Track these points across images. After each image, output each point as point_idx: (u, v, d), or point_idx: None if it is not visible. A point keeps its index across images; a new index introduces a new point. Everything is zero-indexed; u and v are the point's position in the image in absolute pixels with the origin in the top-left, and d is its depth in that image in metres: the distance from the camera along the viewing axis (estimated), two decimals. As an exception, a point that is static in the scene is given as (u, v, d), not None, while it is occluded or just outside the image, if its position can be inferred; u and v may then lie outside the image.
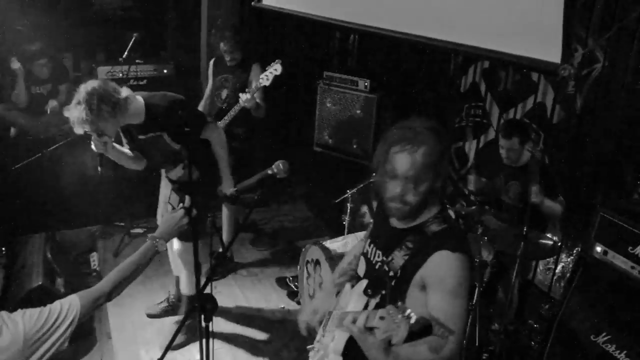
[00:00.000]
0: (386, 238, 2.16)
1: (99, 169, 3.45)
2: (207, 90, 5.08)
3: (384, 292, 2.08)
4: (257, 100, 4.63)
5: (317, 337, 2.48)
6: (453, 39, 3.55)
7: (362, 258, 2.31)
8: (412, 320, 1.61)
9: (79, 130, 3.16)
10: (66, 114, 3.20)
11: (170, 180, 3.83)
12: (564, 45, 2.87)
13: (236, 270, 5.02)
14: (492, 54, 3.40)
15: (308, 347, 2.52)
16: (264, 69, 4.60)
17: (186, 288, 4.02)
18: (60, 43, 5.65)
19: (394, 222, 2.14)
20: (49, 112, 5.27)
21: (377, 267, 2.16)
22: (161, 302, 4.37)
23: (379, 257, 2.17)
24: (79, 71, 6.09)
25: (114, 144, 3.46)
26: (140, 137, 3.52)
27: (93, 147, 3.38)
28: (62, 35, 5.69)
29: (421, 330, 1.62)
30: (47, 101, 5.27)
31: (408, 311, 1.64)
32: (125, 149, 3.66)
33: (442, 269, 1.92)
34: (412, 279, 1.98)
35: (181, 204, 2.46)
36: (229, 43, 4.68)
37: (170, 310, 4.28)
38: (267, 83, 4.54)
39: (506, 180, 3.97)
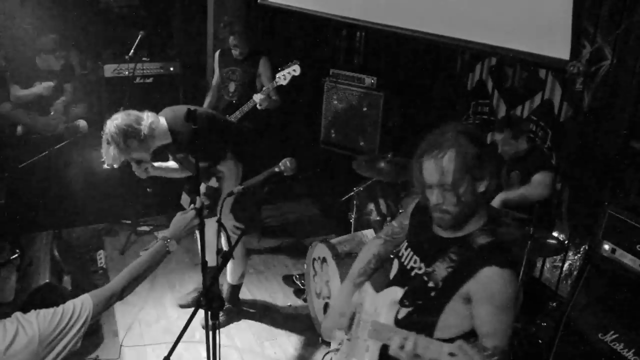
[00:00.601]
0: (427, 246, 2.10)
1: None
2: (214, 82, 5.11)
3: (420, 302, 2.05)
4: (273, 98, 4.68)
5: (338, 340, 2.45)
6: (461, 35, 3.53)
7: (395, 261, 2.26)
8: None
9: (115, 164, 3.30)
10: (102, 152, 3.29)
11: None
12: (573, 42, 2.85)
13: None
14: (501, 51, 3.37)
15: (329, 350, 2.49)
16: (272, 64, 4.63)
17: (230, 277, 4.13)
18: (67, 41, 5.66)
19: (438, 231, 2.09)
20: (52, 112, 5.28)
21: (412, 274, 2.12)
22: (190, 292, 4.41)
23: (415, 263, 2.12)
24: (85, 69, 6.10)
25: (154, 164, 3.58)
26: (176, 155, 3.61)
27: (136, 173, 3.52)
28: (68, 33, 5.70)
29: None
30: (52, 98, 5.28)
31: (489, 352, 1.67)
32: (170, 163, 3.74)
33: (491, 286, 1.88)
34: (457, 292, 1.94)
35: (192, 205, 2.46)
36: (238, 38, 4.70)
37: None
38: (284, 83, 4.58)
39: (508, 171, 3.95)
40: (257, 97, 4.59)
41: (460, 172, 1.88)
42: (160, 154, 3.59)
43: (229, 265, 4.09)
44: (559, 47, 2.90)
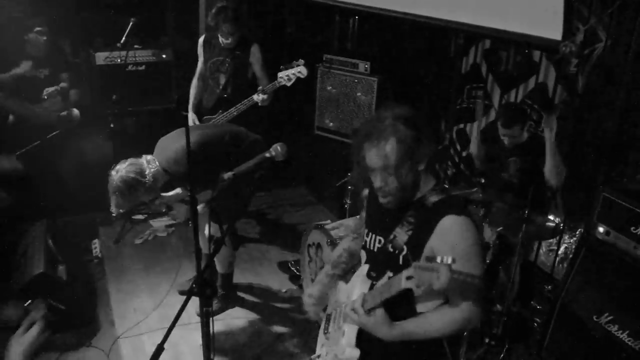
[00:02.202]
0: (384, 221, 2.13)
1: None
2: (198, 71, 4.86)
3: (390, 272, 2.05)
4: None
5: (320, 343, 2.46)
6: (454, 17, 3.52)
7: (362, 252, 2.28)
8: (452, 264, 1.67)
9: (122, 210, 3.39)
10: (110, 201, 3.37)
11: None
12: (565, 22, 2.84)
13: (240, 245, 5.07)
14: (494, 33, 3.37)
15: (312, 357, 2.50)
16: (262, 50, 4.50)
17: (219, 267, 4.10)
18: (58, 29, 5.60)
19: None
20: (46, 97, 5.23)
21: (376, 251, 2.15)
22: (190, 279, 4.39)
23: (379, 242, 2.14)
24: (77, 57, 6.04)
25: (162, 194, 3.62)
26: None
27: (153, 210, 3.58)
28: (60, 21, 5.64)
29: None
30: (45, 86, 5.22)
31: (448, 258, 1.70)
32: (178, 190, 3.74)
33: (451, 235, 1.91)
34: (422, 253, 1.95)
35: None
36: (231, 24, 4.41)
37: None
38: (288, 84, 4.40)
39: (506, 157, 3.95)
40: (257, 98, 4.41)
41: (401, 158, 1.94)
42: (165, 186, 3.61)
43: (216, 255, 4.06)
44: (551, 28, 2.90)
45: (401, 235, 2.03)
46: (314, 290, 2.48)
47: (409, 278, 1.76)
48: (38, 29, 5.10)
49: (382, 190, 2.01)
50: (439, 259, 1.69)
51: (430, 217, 1.96)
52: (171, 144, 3.49)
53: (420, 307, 2.01)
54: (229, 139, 3.68)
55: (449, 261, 1.68)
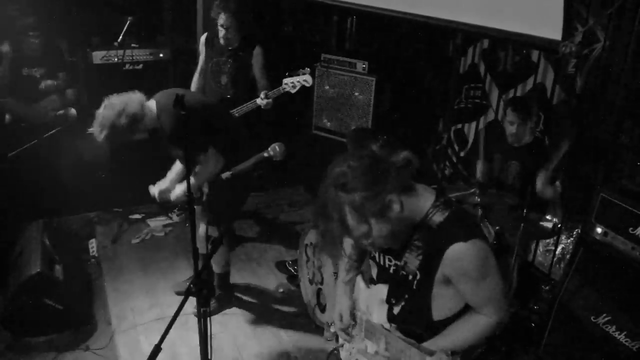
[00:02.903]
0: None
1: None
2: (199, 68, 4.85)
3: (407, 295, 2.03)
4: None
5: (343, 338, 2.42)
6: (452, 17, 3.51)
7: (371, 261, 2.23)
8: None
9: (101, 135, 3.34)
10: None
11: None
12: (564, 22, 2.84)
13: (238, 245, 5.08)
14: (493, 32, 3.36)
15: (334, 347, 2.47)
16: (264, 51, 4.51)
17: (214, 267, 4.09)
18: (55, 27, 5.59)
19: None
20: (43, 88, 5.21)
21: (391, 271, 2.09)
22: (187, 279, 4.38)
23: (390, 261, 2.09)
24: (74, 56, 6.03)
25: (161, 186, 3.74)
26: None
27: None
28: (57, 19, 5.63)
29: None
30: (40, 86, 5.22)
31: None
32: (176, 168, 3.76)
33: (461, 263, 1.86)
34: (435, 278, 1.92)
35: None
36: (230, 18, 4.37)
37: None
38: (293, 91, 4.43)
39: (505, 159, 3.95)
40: (262, 102, 4.44)
41: (362, 225, 1.82)
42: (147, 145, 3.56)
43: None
44: (551, 28, 2.89)
45: (412, 260, 1.96)
46: (344, 309, 2.34)
47: None
48: (31, 33, 5.10)
49: (375, 247, 1.97)
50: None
51: (437, 241, 1.88)
52: (175, 90, 3.43)
53: (435, 315, 2.00)
54: (224, 109, 3.86)
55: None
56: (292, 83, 4.39)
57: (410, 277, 1.98)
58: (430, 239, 1.90)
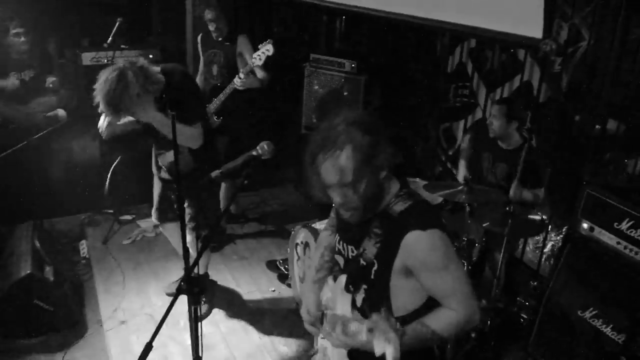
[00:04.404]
0: (351, 230, 2.04)
1: None
2: (200, 67, 5.13)
3: (364, 285, 2.00)
4: (260, 77, 4.71)
5: (312, 332, 2.42)
6: (439, 17, 3.55)
7: (337, 257, 2.21)
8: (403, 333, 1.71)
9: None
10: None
11: (159, 169, 3.82)
12: (545, 21, 2.88)
13: (230, 242, 5.14)
14: (478, 32, 3.40)
15: (312, 352, 2.48)
16: (251, 41, 4.69)
17: (200, 268, 4.06)
18: (44, 29, 5.57)
19: None
20: (51, 86, 5.21)
21: (351, 258, 2.08)
22: (177, 280, 4.39)
23: (352, 251, 2.06)
24: (63, 58, 6.01)
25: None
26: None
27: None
28: (45, 21, 5.61)
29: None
30: (30, 88, 5.19)
31: (398, 325, 1.72)
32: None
33: (419, 251, 1.82)
34: (392, 267, 1.88)
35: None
36: (214, 11, 4.71)
37: None
38: (260, 63, 4.58)
39: (494, 161, 3.99)
40: (237, 81, 4.60)
41: (359, 168, 1.80)
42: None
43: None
44: (532, 26, 2.93)
45: (370, 248, 1.94)
46: (310, 304, 2.33)
47: (370, 331, 1.75)
48: (14, 31, 5.07)
49: (344, 205, 1.90)
50: (390, 333, 1.71)
51: (395, 230, 1.86)
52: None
53: (395, 310, 1.95)
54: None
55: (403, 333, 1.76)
56: (258, 56, 4.55)
57: (367, 264, 1.95)
58: (390, 227, 1.89)
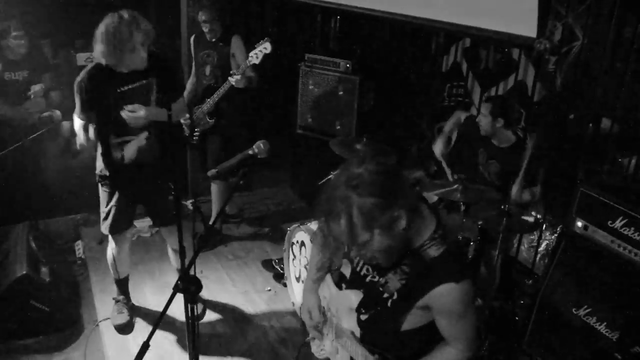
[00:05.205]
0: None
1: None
2: (192, 68, 5.14)
3: (378, 309, 2.01)
4: (248, 75, 4.68)
5: (314, 335, 2.45)
6: (433, 16, 3.56)
7: (345, 260, 2.22)
8: None
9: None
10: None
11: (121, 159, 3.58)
12: (539, 20, 2.90)
13: (225, 243, 5.13)
14: (472, 31, 3.41)
15: (307, 339, 2.50)
16: (245, 42, 4.71)
17: (176, 264, 4.12)
18: (38, 29, 5.56)
19: None
20: (32, 97, 5.19)
21: (367, 281, 2.06)
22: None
23: (368, 271, 2.06)
24: (57, 58, 6.00)
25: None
26: (126, 87, 3.43)
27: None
28: (39, 21, 5.60)
29: None
30: (24, 89, 5.18)
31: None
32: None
33: (448, 302, 1.85)
34: (414, 305, 1.90)
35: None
36: (208, 12, 4.73)
37: None
38: (257, 61, 4.57)
39: (487, 158, 4.00)
40: (232, 79, 4.59)
41: (366, 232, 1.74)
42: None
43: (173, 255, 4.12)
44: (526, 26, 2.95)
45: (394, 282, 1.93)
46: (312, 307, 2.36)
47: None
48: (15, 33, 5.06)
49: (367, 260, 1.91)
50: None
51: (427, 276, 1.85)
52: None
53: (404, 326, 1.98)
54: None
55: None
56: (255, 55, 4.55)
57: (387, 295, 1.96)
58: (420, 269, 1.87)
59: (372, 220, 1.72)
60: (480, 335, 2.00)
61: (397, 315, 1.96)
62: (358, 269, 2.11)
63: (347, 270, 2.21)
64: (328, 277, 2.34)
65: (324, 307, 2.36)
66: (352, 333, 2.14)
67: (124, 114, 3.34)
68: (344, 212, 1.72)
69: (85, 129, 3.46)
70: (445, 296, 1.83)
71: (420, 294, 1.87)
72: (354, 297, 2.10)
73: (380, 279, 1.98)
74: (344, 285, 2.22)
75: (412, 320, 1.96)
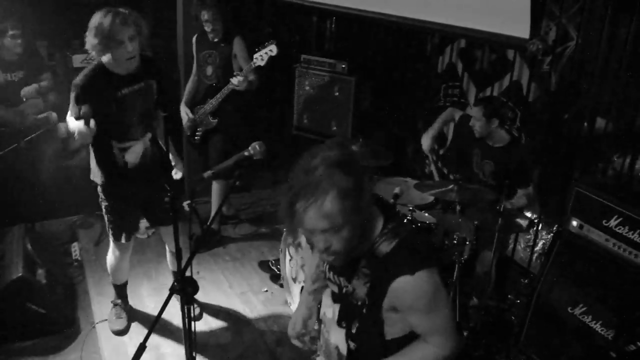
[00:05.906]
0: (343, 265, 1.94)
1: None
2: (194, 68, 5.11)
3: (356, 320, 1.97)
4: (250, 79, 4.67)
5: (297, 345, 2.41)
6: (428, 17, 3.58)
7: (332, 284, 2.14)
8: None
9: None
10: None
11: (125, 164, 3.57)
12: (532, 21, 2.92)
13: (223, 245, 5.12)
14: (466, 32, 3.43)
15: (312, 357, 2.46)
16: (247, 44, 4.69)
17: (172, 266, 4.14)
18: (34, 30, 5.56)
19: None
20: (24, 100, 5.18)
21: (344, 291, 2.01)
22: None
23: (344, 282, 2.00)
24: (53, 60, 5.99)
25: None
26: (126, 90, 3.41)
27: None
28: (35, 22, 5.59)
29: None
30: (20, 90, 5.17)
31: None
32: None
33: (407, 297, 1.79)
34: (382, 307, 1.85)
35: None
36: (211, 11, 4.68)
37: None
38: (262, 63, 4.57)
39: (482, 158, 4.02)
40: (235, 80, 4.57)
41: (344, 213, 1.68)
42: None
43: (171, 258, 4.12)
44: (519, 27, 2.97)
45: (360, 288, 1.88)
46: (298, 319, 2.31)
47: None
48: (12, 32, 5.06)
49: (326, 251, 1.78)
50: None
51: (382, 272, 1.80)
52: None
53: (388, 334, 1.94)
54: None
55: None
56: (260, 57, 4.54)
57: (359, 303, 1.91)
58: (377, 269, 1.82)
59: (355, 201, 1.68)
60: (459, 327, 1.91)
61: (374, 320, 1.91)
62: (335, 281, 2.05)
63: (335, 288, 2.12)
64: (329, 290, 2.25)
65: (309, 319, 2.33)
66: (337, 348, 2.09)
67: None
68: (330, 189, 1.66)
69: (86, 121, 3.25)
70: (402, 292, 1.77)
71: (382, 294, 1.82)
72: (335, 309, 2.07)
73: (349, 289, 1.95)
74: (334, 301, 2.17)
75: (393, 329, 1.92)
